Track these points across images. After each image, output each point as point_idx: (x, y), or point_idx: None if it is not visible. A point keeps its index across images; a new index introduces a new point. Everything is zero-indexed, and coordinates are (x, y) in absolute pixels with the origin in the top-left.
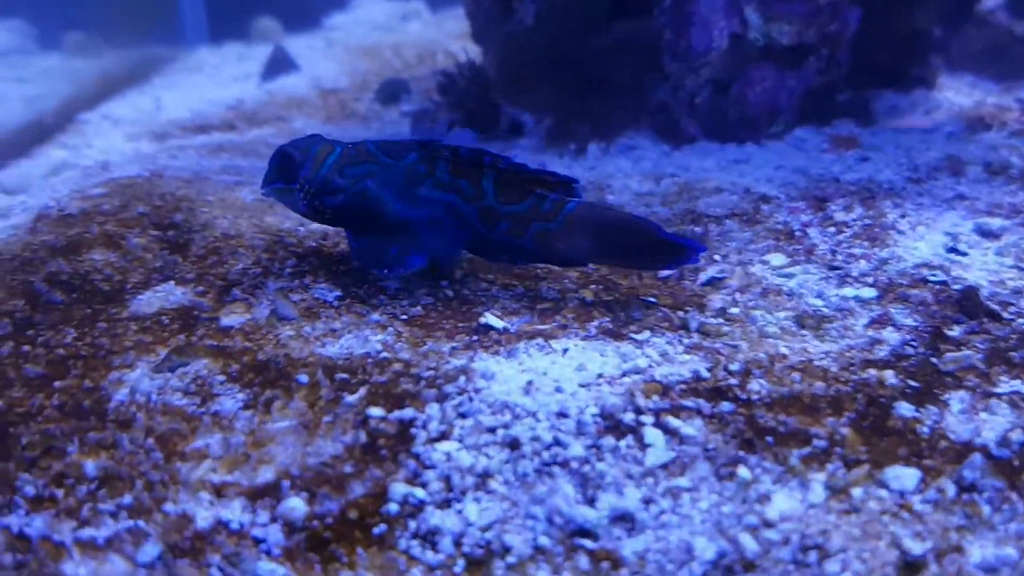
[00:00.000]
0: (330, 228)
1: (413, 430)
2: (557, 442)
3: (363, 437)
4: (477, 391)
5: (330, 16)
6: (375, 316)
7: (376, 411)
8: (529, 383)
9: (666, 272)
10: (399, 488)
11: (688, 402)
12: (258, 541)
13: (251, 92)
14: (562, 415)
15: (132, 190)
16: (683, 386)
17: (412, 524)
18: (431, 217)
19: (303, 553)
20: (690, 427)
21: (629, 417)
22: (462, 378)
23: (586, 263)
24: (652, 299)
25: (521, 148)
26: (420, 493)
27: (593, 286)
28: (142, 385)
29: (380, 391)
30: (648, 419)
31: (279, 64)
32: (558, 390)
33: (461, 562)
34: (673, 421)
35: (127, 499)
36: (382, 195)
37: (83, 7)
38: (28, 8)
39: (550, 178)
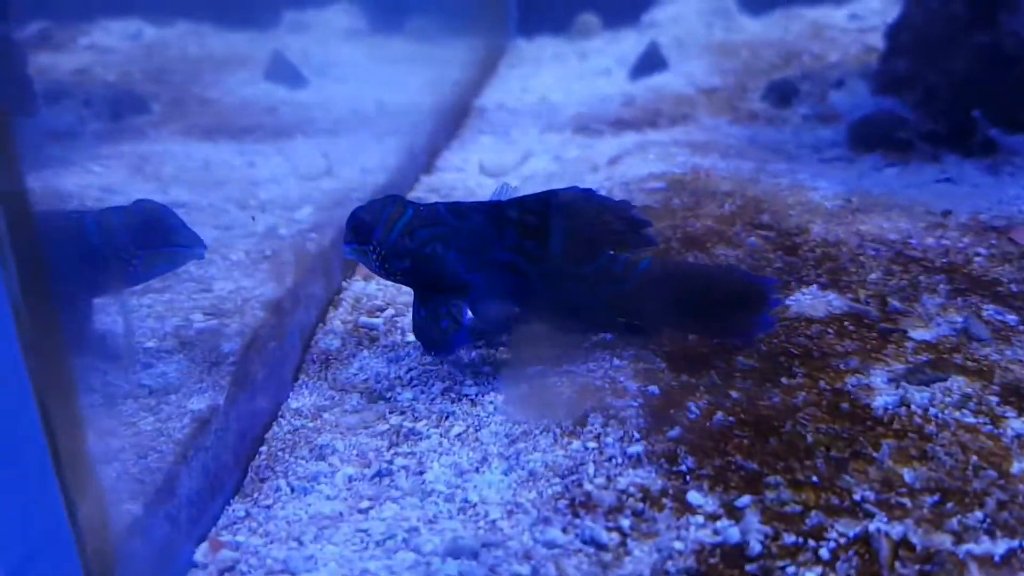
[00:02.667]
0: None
1: None
2: None
3: None
4: None
5: (647, 12)
6: None
7: None
8: None
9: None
10: None
11: None
12: None
13: (628, 88)
14: None
15: (691, 186)
16: None
17: None
18: (494, 280)
19: None
20: None
21: None
22: None
23: (660, 328)
24: None
25: (1016, 166)
26: None
27: None
28: (913, 396)
29: None
30: None
31: (651, 61)
32: None
33: None
34: None
35: (978, 515)
36: (447, 257)
37: None
38: None
39: (629, 214)
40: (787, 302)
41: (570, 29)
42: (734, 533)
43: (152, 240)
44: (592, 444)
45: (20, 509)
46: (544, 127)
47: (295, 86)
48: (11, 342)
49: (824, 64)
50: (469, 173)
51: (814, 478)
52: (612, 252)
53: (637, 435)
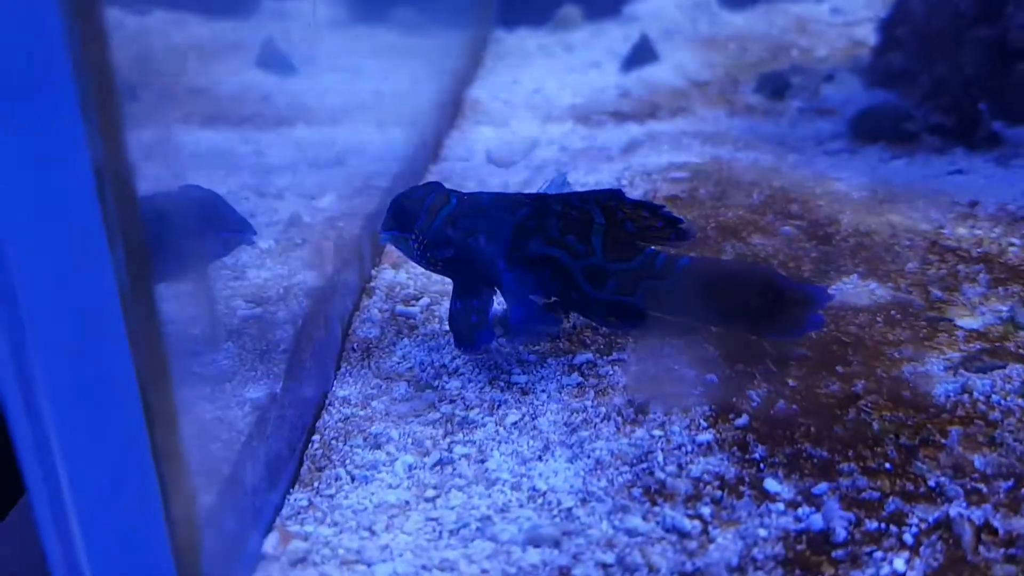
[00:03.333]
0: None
1: None
2: None
3: None
4: None
5: (629, 5)
6: None
7: None
8: None
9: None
10: None
11: None
12: None
13: (621, 80)
14: None
15: (715, 176)
16: None
17: None
18: (535, 273)
19: None
20: None
21: None
22: None
23: (704, 322)
24: None
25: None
26: None
27: None
28: (975, 384)
29: None
30: None
31: (642, 53)
32: None
33: None
34: None
35: None
36: (489, 249)
37: None
38: None
39: (662, 212)
40: (829, 291)
41: (550, 21)
42: (817, 520)
43: (204, 226)
44: (658, 432)
45: (119, 504)
46: (543, 118)
47: (285, 75)
48: (119, 332)
49: (813, 58)
50: (476, 163)
51: (887, 465)
52: (653, 249)
53: (704, 423)
